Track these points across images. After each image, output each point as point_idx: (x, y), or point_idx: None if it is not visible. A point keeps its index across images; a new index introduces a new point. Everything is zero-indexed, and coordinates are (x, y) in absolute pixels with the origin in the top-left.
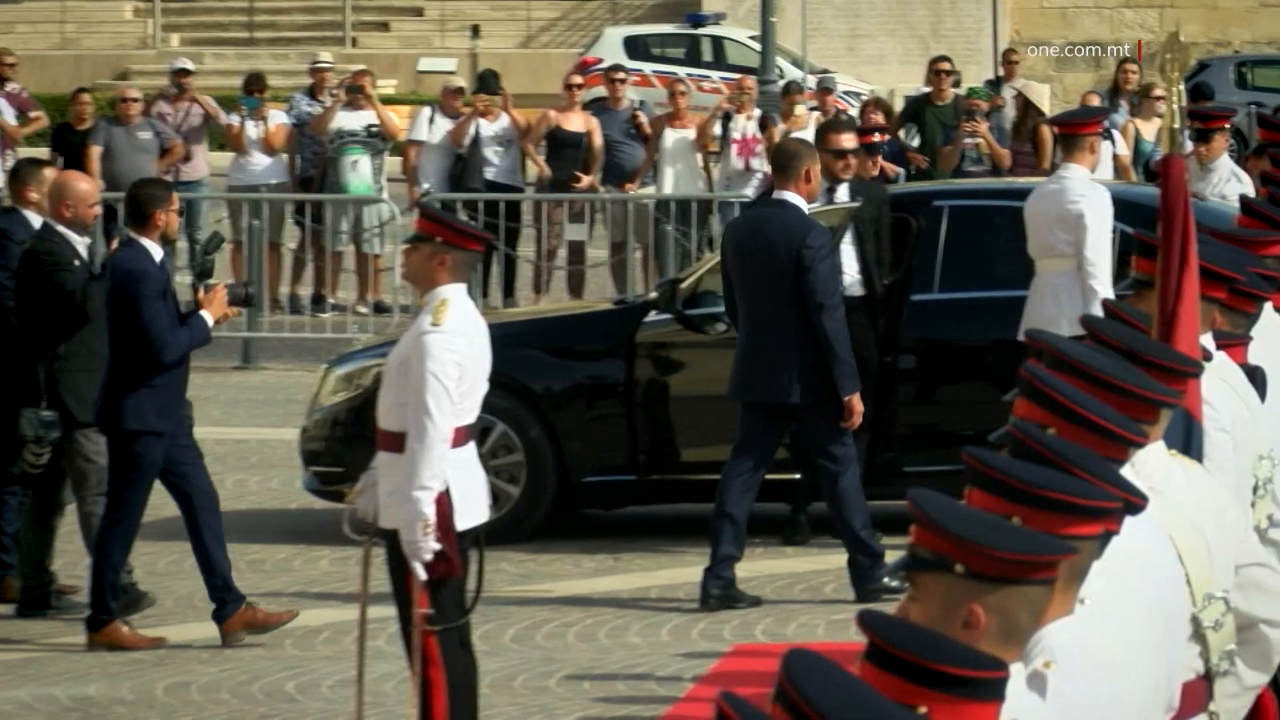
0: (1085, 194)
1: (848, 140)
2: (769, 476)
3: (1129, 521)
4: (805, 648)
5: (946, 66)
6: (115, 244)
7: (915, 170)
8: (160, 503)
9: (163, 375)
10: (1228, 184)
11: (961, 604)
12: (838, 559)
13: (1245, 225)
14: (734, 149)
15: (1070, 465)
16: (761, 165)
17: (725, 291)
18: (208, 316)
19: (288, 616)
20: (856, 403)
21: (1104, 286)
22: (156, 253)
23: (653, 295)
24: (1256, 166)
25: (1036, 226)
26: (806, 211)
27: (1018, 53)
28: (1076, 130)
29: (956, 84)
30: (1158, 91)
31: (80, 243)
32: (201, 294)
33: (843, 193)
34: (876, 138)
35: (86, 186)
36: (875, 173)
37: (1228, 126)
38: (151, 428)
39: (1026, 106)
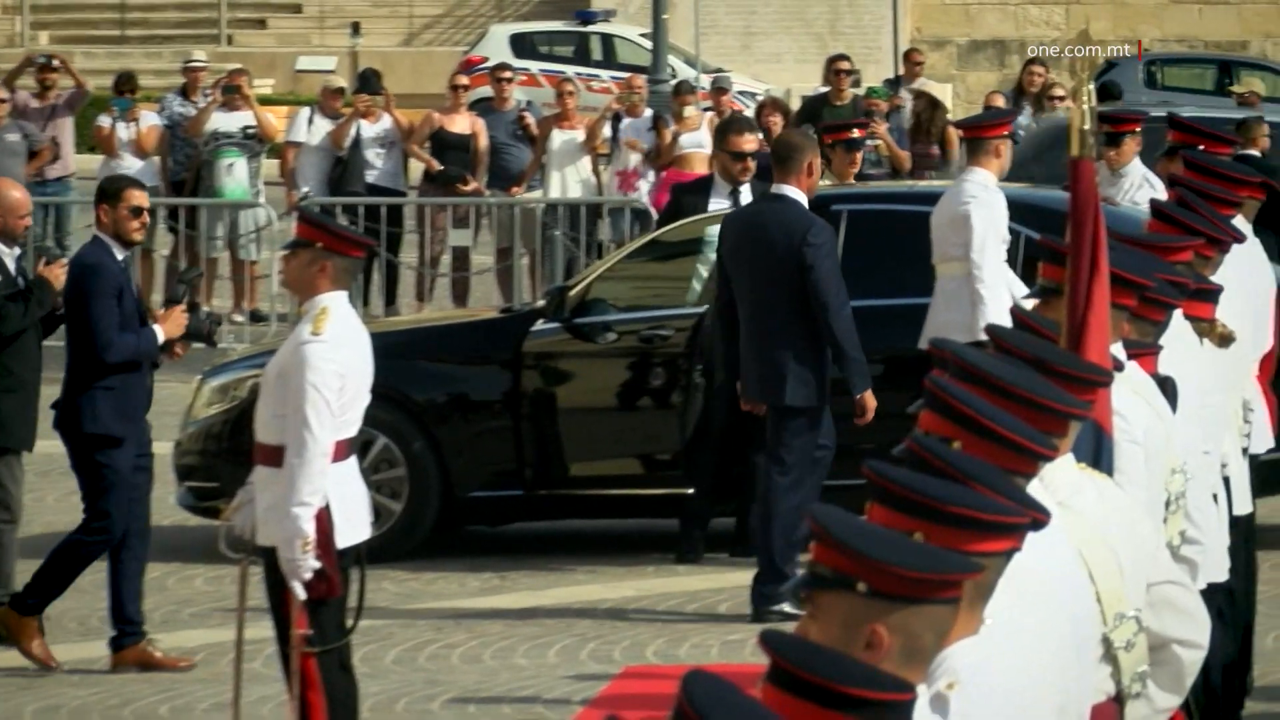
0: (976, 196)
1: (748, 142)
2: (659, 491)
3: (1037, 538)
4: (704, 669)
5: (845, 65)
6: None
7: None
8: (55, 519)
9: (119, 378)
10: (1140, 190)
11: (863, 624)
12: (732, 577)
13: (1155, 230)
14: (616, 181)
15: (972, 480)
16: (647, 171)
17: (719, 292)
18: (159, 332)
19: (184, 664)
20: (869, 399)
21: (990, 291)
22: (119, 251)
23: (540, 303)
24: (1167, 169)
25: (934, 230)
26: (806, 206)
27: (921, 52)
28: (981, 134)
29: (855, 84)
30: (1057, 91)
31: (9, 255)
32: (161, 312)
33: (746, 195)
34: (855, 133)
35: (19, 195)
36: (855, 170)
37: (1139, 130)
38: (110, 432)
39: (934, 106)
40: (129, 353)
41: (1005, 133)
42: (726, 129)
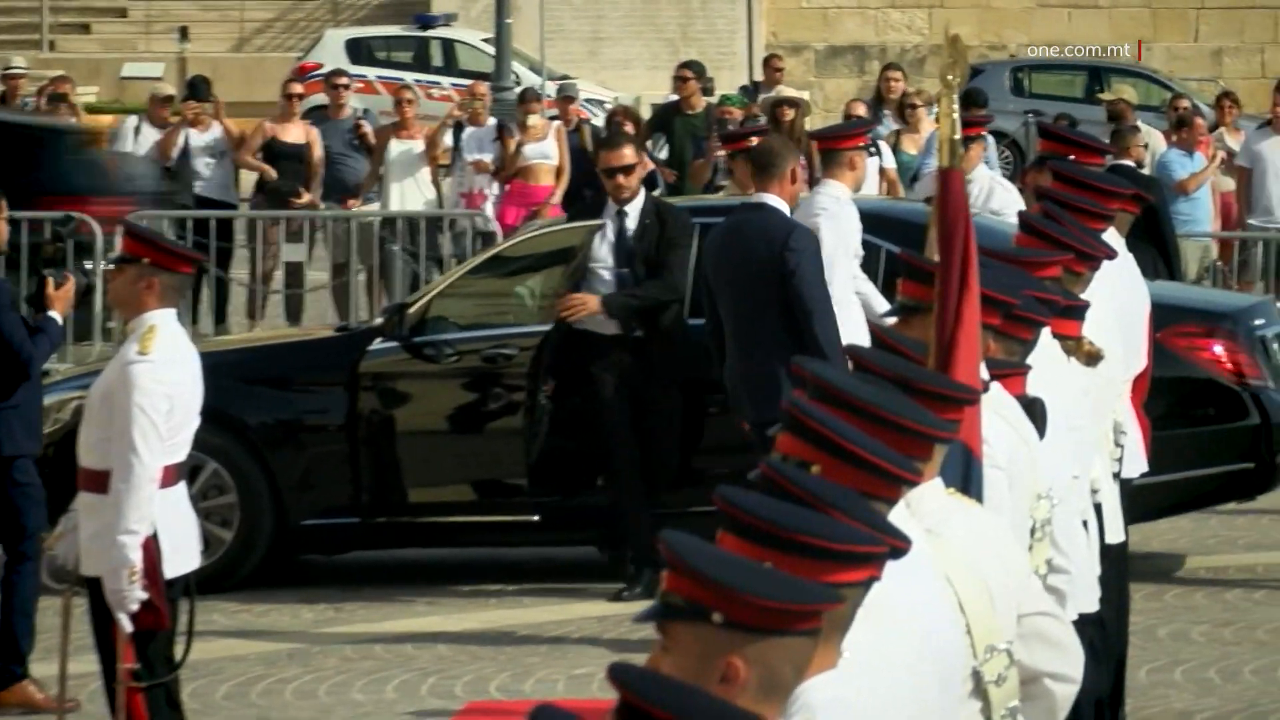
0: (826, 209)
1: (618, 158)
2: (504, 518)
3: (902, 566)
4: (552, 705)
5: (694, 73)
6: None
7: (664, 185)
8: None
9: (24, 391)
10: (991, 197)
11: (719, 656)
12: (579, 608)
13: (1023, 244)
14: (462, 201)
15: (826, 506)
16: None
17: (708, 312)
18: (56, 316)
19: (71, 706)
20: None
21: (839, 308)
22: None
23: (378, 321)
24: (1036, 180)
25: None
26: (788, 213)
27: (781, 58)
28: (835, 145)
29: (707, 91)
30: (918, 100)
31: None
32: (52, 288)
33: (633, 215)
34: (755, 142)
35: None
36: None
37: (985, 134)
38: (24, 451)
39: (795, 107)
40: (49, 352)
41: (860, 144)
42: (602, 145)
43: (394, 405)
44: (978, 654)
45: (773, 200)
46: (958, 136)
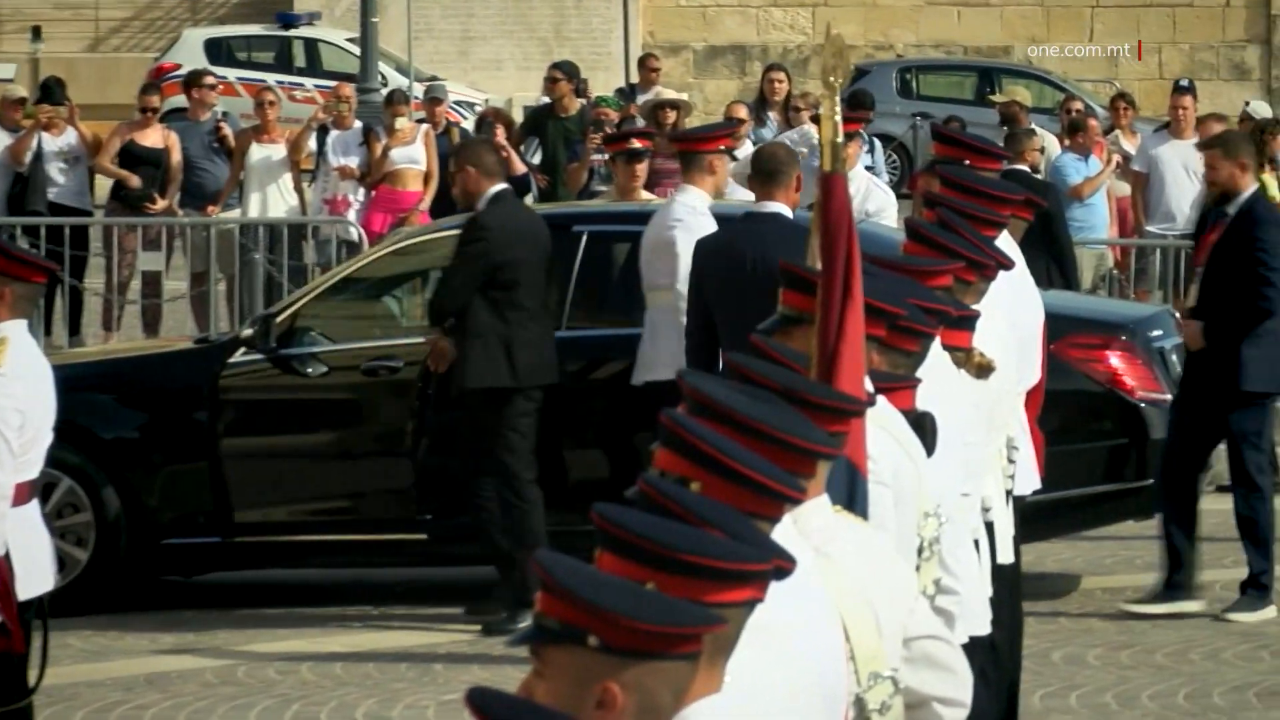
0: (681, 219)
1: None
2: (374, 537)
3: (787, 588)
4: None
5: (565, 74)
6: None
7: (537, 191)
8: None
9: None
10: (868, 199)
11: (595, 681)
12: (448, 633)
13: (912, 252)
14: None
15: (709, 524)
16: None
17: (693, 322)
18: None
19: None
20: None
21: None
22: None
23: (248, 332)
24: (926, 185)
25: (642, 255)
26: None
27: (657, 58)
28: (694, 147)
29: (580, 93)
30: (802, 103)
31: None
32: None
33: None
34: (636, 144)
35: None
36: (640, 184)
37: (861, 131)
38: None
39: (678, 115)
40: None
41: (721, 147)
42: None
43: (258, 420)
44: (861, 681)
45: (782, 209)
46: (839, 140)
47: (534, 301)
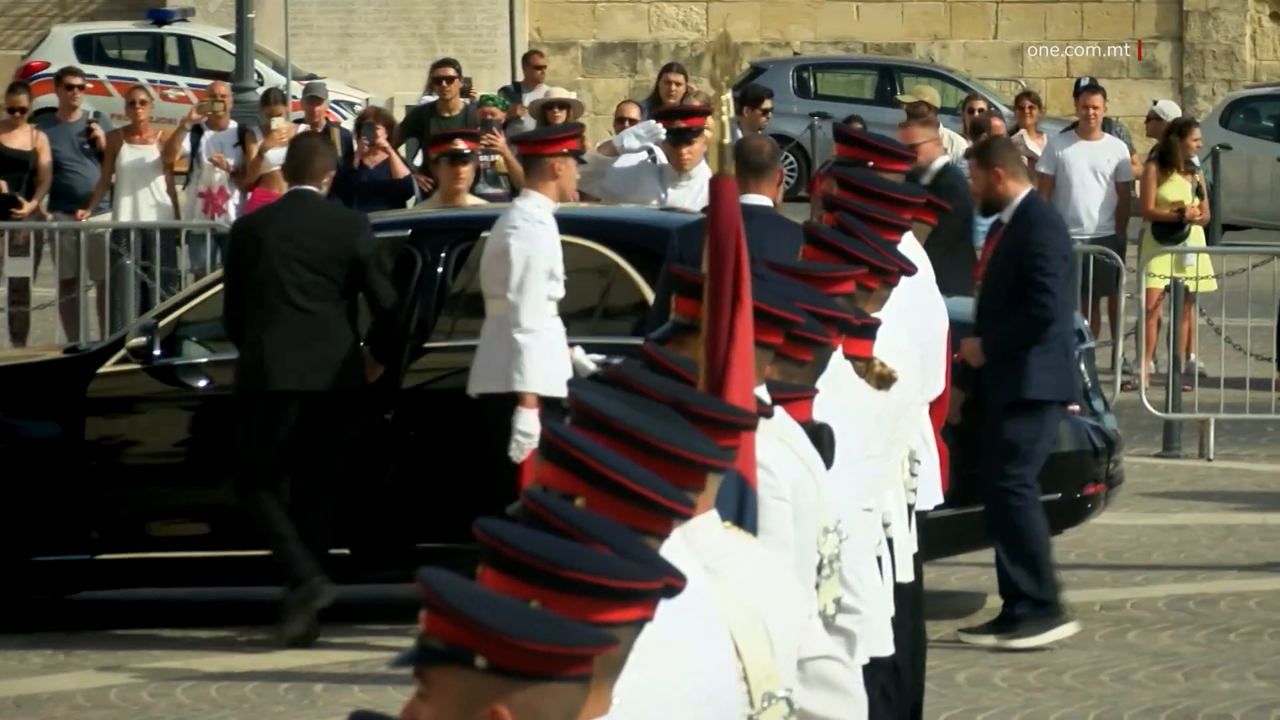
0: (518, 226)
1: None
2: (253, 553)
3: (678, 606)
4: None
5: (450, 72)
6: None
7: (420, 193)
8: None
9: None
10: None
11: (482, 704)
12: (329, 655)
13: (811, 257)
14: (208, 168)
15: (596, 540)
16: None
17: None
18: None
19: None
20: None
21: (527, 336)
22: None
23: (137, 341)
24: (827, 188)
25: (482, 262)
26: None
27: (543, 55)
28: (538, 150)
29: (465, 92)
30: (696, 103)
31: None
32: None
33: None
34: (461, 145)
35: None
36: (463, 187)
37: (706, 129)
38: None
39: (568, 114)
40: None
41: (564, 150)
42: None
43: (130, 432)
44: (754, 702)
45: (768, 202)
46: (728, 140)
47: (287, 302)
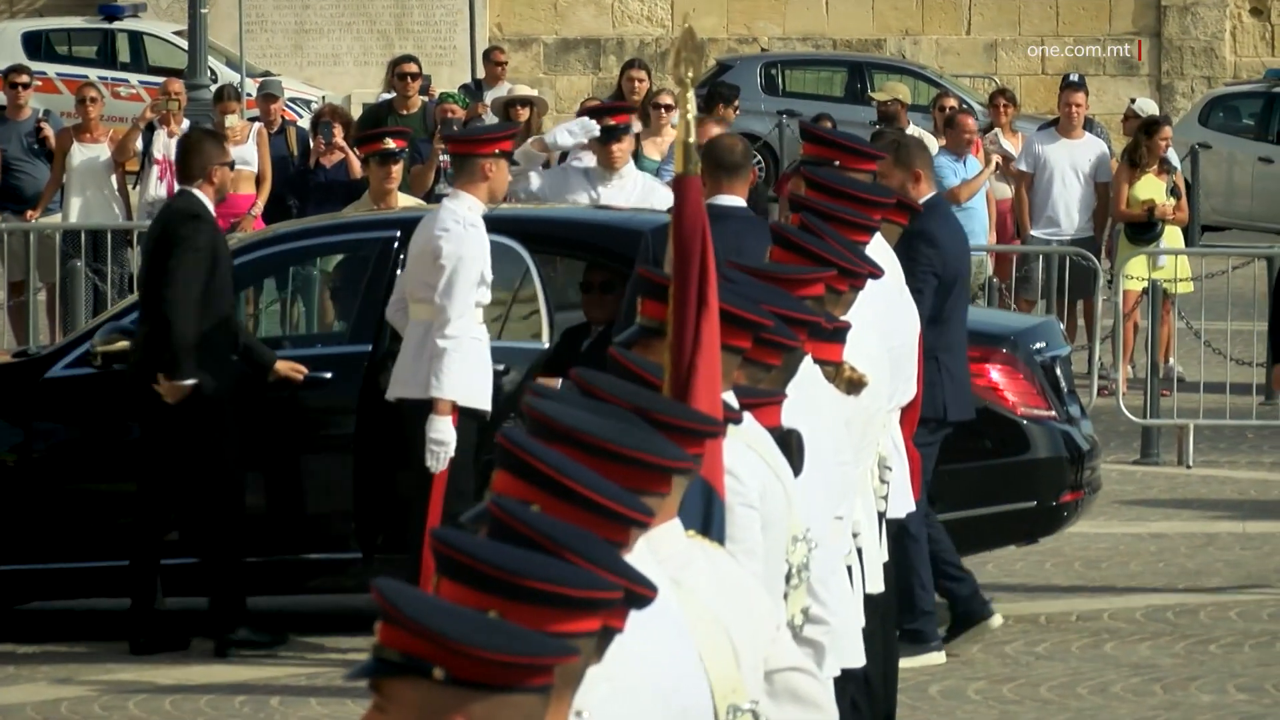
0: (448, 229)
1: None
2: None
3: (645, 618)
4: None
5: (411, 69)
6: None
7: None
8: None
9: None
10: (649, 198)
11: (441, 715)
12: (283, 669)
13: (779, 259)
14: (155, 170)
15: (559, 548)
16: None
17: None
18: None
19: None
20: None
21: (452, 342)
22: None
23: (123, 346)
24: (795, 188)
25: (407, 264)
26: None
27: (504, 52)
28: (470, 149)
29: (424, 89)
30: (666, 100)
31: None
32: None
33: None
34: (391, 144)
35: None
36: (394, 187)
37: (631, 122)
38: None
39: (532, 112)
40: None
41: (496, 150)
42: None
43: (84, 438)
44: (720, 714)
45: (742, 203)
46: (692, 139)
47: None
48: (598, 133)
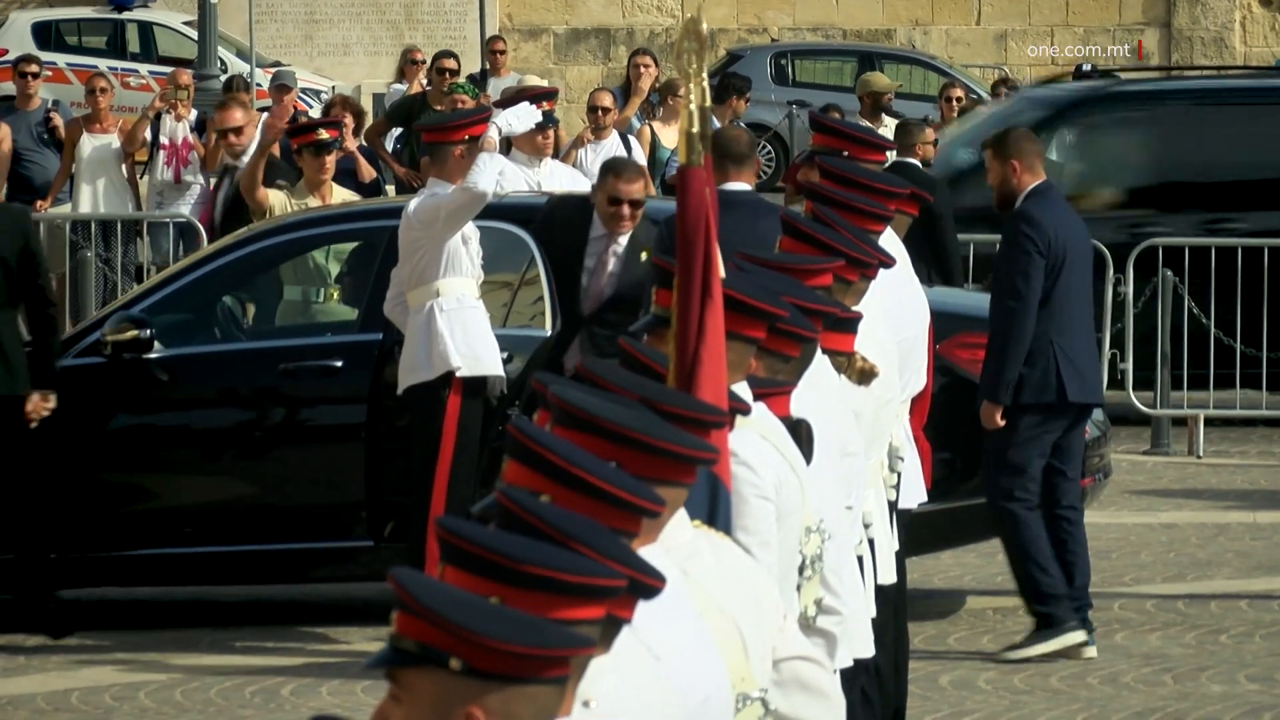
0: (418, 200)
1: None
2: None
3: (659, 609)
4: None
5: (451, 65)
6: None
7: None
8: None
9: None
10: (575, 184)
11: (457, 706)
12: (295, 658)
13: (790, 249)
14: (162, 155)
15: (567, 538)
16: (196, 176)
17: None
18: None
19: None
20: None
21: (448, 316)
22: None
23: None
24: (806, 177)
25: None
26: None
27: (504, 41)
28: (442, 138)
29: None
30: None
31: None
32: None
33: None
34: (324, 134)
35: None
36: (328, 178)
37: (553, 110)
38: None
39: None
40: None
41: (468, 136)
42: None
43: (95, 425)
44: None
45: (749, 190)
46: (697, 129)
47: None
48: (540, 118)
